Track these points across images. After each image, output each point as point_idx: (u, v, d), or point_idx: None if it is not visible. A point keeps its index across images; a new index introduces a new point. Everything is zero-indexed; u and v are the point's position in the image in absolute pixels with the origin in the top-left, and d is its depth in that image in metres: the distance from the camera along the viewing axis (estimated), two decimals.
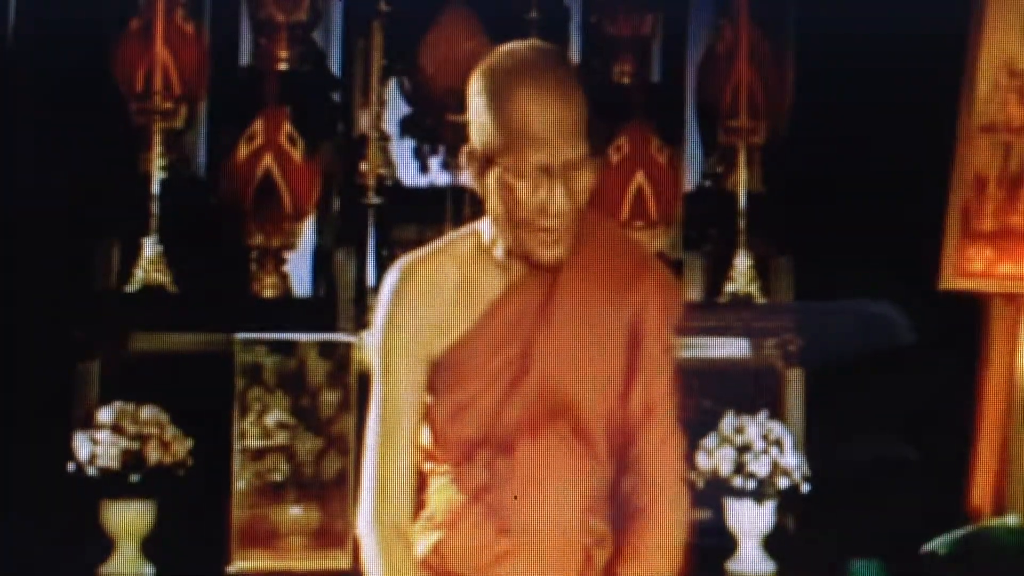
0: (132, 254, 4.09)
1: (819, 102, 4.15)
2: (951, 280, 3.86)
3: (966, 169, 3.87)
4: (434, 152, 4.51)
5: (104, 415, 3.77)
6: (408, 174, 4.53)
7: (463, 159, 1.75)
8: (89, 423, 3.78)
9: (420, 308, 1.76)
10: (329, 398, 3.78)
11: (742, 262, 4.24)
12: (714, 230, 4.41)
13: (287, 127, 4.22)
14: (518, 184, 1.68)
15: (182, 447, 3.78)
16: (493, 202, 1.72)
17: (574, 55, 4.41)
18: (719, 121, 4.37)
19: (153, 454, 3.72)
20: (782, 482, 3.85)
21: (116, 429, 3.73)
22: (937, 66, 3.87)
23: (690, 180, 4.52)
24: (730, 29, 4.36)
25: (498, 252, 1.77)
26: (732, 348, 4.16)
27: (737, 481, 3.85)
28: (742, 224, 4.23)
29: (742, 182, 4.26)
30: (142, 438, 3.73)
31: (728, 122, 4.33)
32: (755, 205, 4.26)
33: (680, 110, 4.53)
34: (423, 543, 1.79)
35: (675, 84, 4.54)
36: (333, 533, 3.71)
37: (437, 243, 1.82)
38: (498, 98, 1.68)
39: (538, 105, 1.66)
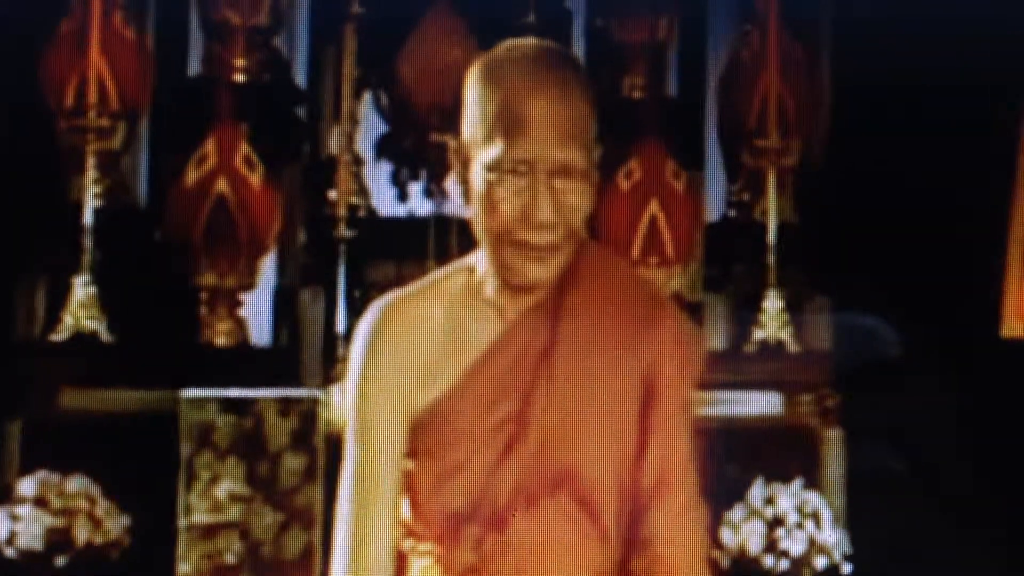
0: (60, 296, 4.11)
1: (860, 119, 4.19)
2: (1014, 325, 3.89)
3: None
4: (415, 177, 4.54)
5: (25, 487, 3.77)
6: (385, 203, 4.56)
7: (449, 155, 1.78)
8: (7, 496, 3.78)
9: (401, 357, 1.77)
10: (292, 464, 3.78)
11: (772, 304, 4.27)
12: (740, 268, 4.44)
13: (244, 148, 4.25)
14: (496, 181, 1.71)
15: (117, 525, 3.78)
16: (475, 211, 1.75)
17: None
18: (745, 141, 4.41)
19: (82, 533, 3.72)
20: (820, 562, 3.86)
21: (39, 503, 3.74)
22: (997, 77, 3.91)
23: (712, 210, 4.55)
24: (757, 34, 4.40)
25: (491, 291, 1.79)
26: (761, 404, 4.17)
27: (768, 561, 3.85)
28: (772, 260, 4.26)
29: (772, 211, 4.30)
30: (69, 514, 3.73)
31: (755, 142, 4.37)
32: (787, 238, 4.29)
33: (700, 128, 4.57)
34: None
35: (694, 98, 4.58)
36: None
37: (420, 282, 1.83)
38: (489, 83, 1.73)
39: (529, 92, 1.70)
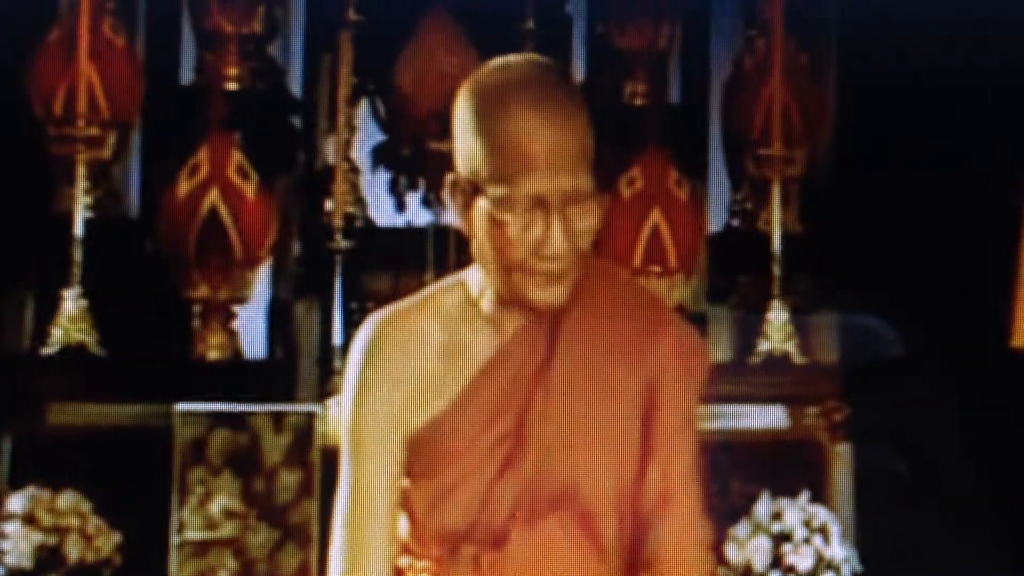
0: (49, 309, 4.11)
1: (867, 126, 4.20)
2: None
3: None
4: (413, 187, 4.55)
5: (15, 503, 3.77)
6: (382, 213, 4.56)
7: (446, 190, 1.75)
8: None
9: (397, 373, 1.76)
10: (287, 480, 3.78)
11: (777, 316, 4.27)
12: (744, 278, 4.45)
13: (237, 157, 4.25)
14: (508, 219, 1.69)
15: (108, 542, 3.78)
16: (480, 241, 1.73)
17: (578, 72, 4.47)
18: (749, 150, 4.42)
19: (73, 551, 3.72)
20: None
21: (29, 520, 3.74)
22: (1005, 85, 3.92)
23: (715, 219, 4.56)
24: (761, 41, 4.42)
25: (488, 306, 1.78)
26: (767, 418, 4.17)
27: None
28: (777, 271, 4.27)
29: (776, 221, 4.31)
30: (60, 531, 3.72)
31: (759, 150, 4.38)
32: (792, 248, 4.29)
33: (703, 137, 4.58)
34: None
35: (696, 106, 4.59)
36: None
37: (417, 295, 1.82)
38: (487, 116, 1.69)
39: (533, 125, 1.67)
